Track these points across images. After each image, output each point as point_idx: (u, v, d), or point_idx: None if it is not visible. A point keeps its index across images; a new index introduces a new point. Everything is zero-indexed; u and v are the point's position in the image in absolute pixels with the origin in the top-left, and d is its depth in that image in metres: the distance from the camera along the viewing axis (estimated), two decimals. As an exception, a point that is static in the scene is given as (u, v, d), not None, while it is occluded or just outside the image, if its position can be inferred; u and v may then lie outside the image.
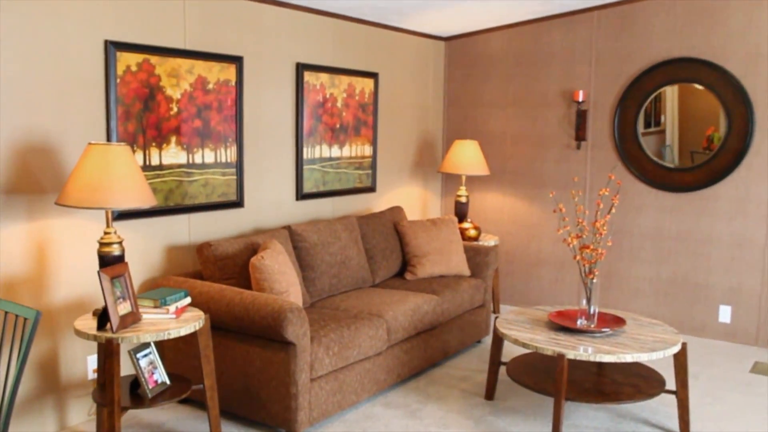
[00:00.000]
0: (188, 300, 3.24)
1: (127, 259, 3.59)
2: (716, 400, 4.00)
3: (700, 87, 5.01)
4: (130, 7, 3.59)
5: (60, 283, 3.40)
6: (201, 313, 3.20)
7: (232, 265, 3.75)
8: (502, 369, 4.13)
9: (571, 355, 3.29)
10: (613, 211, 3.86)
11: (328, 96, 4.92)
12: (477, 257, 4.95)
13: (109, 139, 3.54)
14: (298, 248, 4.19)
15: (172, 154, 3.88)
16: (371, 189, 5.47)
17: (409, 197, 5.96)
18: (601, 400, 3.36)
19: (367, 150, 5.39)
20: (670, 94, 5.18)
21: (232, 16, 4.15)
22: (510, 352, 4.53)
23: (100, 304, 3.30)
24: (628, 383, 3.56)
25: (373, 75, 5.34)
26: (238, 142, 4.25)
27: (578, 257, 3.68)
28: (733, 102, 4.90)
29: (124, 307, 2.95)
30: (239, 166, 4.27)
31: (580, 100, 5.44)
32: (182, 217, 3.98)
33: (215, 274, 3.73)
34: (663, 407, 3.87)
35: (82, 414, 3.54)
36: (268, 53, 4.42)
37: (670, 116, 5.24)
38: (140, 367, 3.05)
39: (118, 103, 3.57)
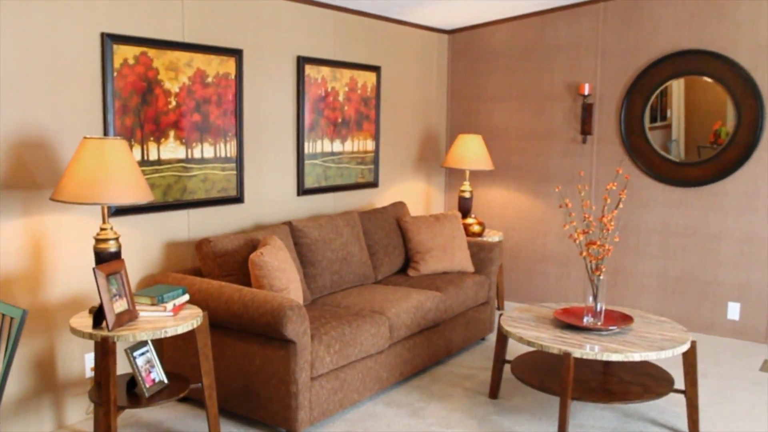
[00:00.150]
0: (186, 297, 3.18)
1: (125, 255, 3.55)
2: (725, 399, 3.92)
3: (708, 80, 4.92)
4: (127, -2, 3.53)
5: (57, 280, 3.34)
6: (199, 311, 3.14)
7: (232, 261, 3.68)
8: (507, 367, 4.06)
9: (577, 353, 3.21)
10: (621, 206, 3.78)
11: (329, 90, 4.85)
12: (481, 253, 4.88)
13: (106, 133, 3.48)
14: (299, 244, 4.12)
15: (171, 149, 3.81)
16: (374, 184, 5.40)
17: (412, 192, 5.89)
18: (608, 400, 3.29)
19: (370, 145, 5.31)
20: (677, 88, 5.09)
21: (231, 9, 4.08)
22: (515, 349, 4.46)
23: (97, 302, 3.24)
24: (636, 382, 3.49)
25: (375, 68, 5.27)
26: (238, 136, 4.18)
27: (585, 253, 3.61)
28: (742, 95, 4.81)
29: (121, 305, 2.89)
30: (239, 161, 4.20)
31: (586, 93, 5.35)
32: (181, 213, 3.92)
33: (214, 271, 3.67)
34: (671, 407, 3.79)
35: (79, 413, 3.49)
36: (268, 46, 4.35)
37: (677, 110, 5.15)
38: (137, 366, 2.99)
39: (115, 97, 3.50)
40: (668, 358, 3.88)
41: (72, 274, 3.39)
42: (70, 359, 3.43)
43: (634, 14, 5.18)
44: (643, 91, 5.18)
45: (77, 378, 3.47)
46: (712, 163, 4.97)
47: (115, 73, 3.49)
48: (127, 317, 2.91)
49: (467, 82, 6.03)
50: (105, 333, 2.79)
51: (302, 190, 4.70)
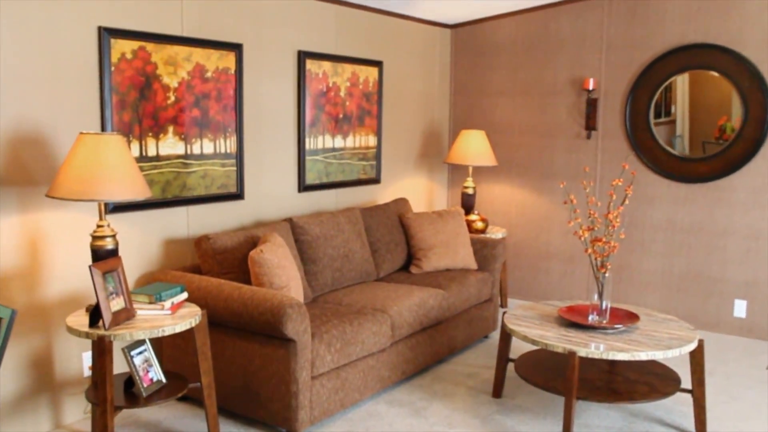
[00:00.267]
0: (185, 295, 3.13)
1: (123, 252, 3.50)
2: (732, 399, 3.86)
3: (715, 74, 4.85)
4: (125, -9, 3.47)
5: (54, 278, 3.29)
6: (198, 309, 3.09)
7: (232, 258, 3.63)
8: (510, 365, 4.01)
9: (582, 352, 3.16)
10: (627, 202, 3.72)
11: (330, 85, 4.79)
12: (484, 250, 4.82)
13: (103, 129, 3.43)
14: (300, 241, 4.07)
15: (170, 145, 3.76)
16: (376, 180, 5.35)
17: (414, 189, 5.83)
18: (613, 400, 3.23)
19: (372, 140, 5.26)
20: (681, 83, 5.02)
21: (231, 2, 4.02)
22: (518, 347, 4.41)
23: (95, 300, 3.19)
24: (642, 381, 3.43)
25: (377, 63, 5.21)
26: (238, 132, 4.12)
27: (590, 250, 3.55)
28: (749, 89, 4.74)
29: (117, 303, 2.84)
30: (239, 156, 4.15)
31: (591, 88, 5.28)
32: (180, 210, 3.87)
33: (214, 268, 3.61)
34: (678, 406, 3.74)
35: (77, 412, 3.45)
36: (268, 40, 4.29)
37: (681, 106, 5.08)
38: (134, 365, 2.94)
39: (112, 92, 3.45)
40: (674, 357, 3.84)
41: (69, 272, 3.34)
42: (67, 358, 3.39)
43: (640, 8, 5.10)
44: (649, 86, 5.11)
45: (75, 377, 3.42)
46: (719, 159, 4.90)
47: (112, 68, 3.44)
48: (124, 316, 2.86)
49: (470, 77, 5.96)
50: (101, 332, 2.74)
51: (303, 187, 4.65)
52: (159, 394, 2.98)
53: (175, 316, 2.98)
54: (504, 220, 5.89)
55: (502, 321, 3.63)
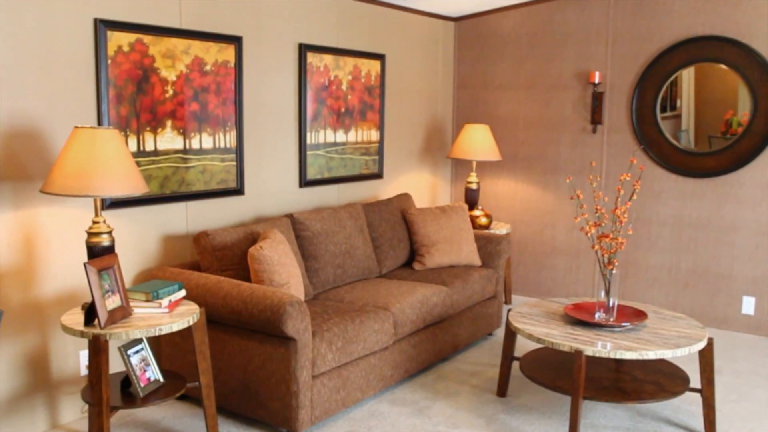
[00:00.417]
0: (183, 293, 3.06)
1: (121, 249, 3.44)
2: (742, 398, 3.79)
3: (724, 67, 4.76)
4: (121, -18, 3.40)
5: (49, 275, 3.23)
6: (196, 307, 3.03)
7: (231, 255, 3.57)
8: (515, 364, 3.94)
9: (589, 351, 3.08)
10: (635, 197, 3.64)
11: (332, 78, 4.71)
12: (488, 246, 4.75)
13: (100, 123, 3.36)
14: (301, 237, 4.00)
15: (168, 139, 3.69)
16: (378, 175, 5.27)
17: (417, 184, 5.76)
18: (621, 399, 3.16)
19: (374, 135, 5.18)
20: (686, 77, 4.93)
21: (230, -6, 3.95)
22: (522, 345, 4.34)
23: (90, 298, 3.12)
24: (650, 381, 3.36)
25: (379, 57, 5.13)
26: (237, 126, 4.05)
27: (596, 247, 3.47)
28: (758, 82, 4.65)
29: (113, 301, 2.78)
30: (239, 151, 4.08)
31: (596, 81, 5.20)
32: (179, 205, 3.80)
33: (213, 265, 3.55)
34: (685, 405, 3.66)
35: (74, 411, 3.39)
36: (269, 33, 4.22)
37: (686, 100, 5.00)
38: (131, 365, 2.88)
39: (109, 86, 3.38)
40: (683, 356, 3.77)
41: (65, 269, 3.28)
42: (64, 356, 3.33)
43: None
44: (656, 80, 5.02)
45: (72, 376, 3.36)
46: (727, 153, 4.82)
47: (109, 61, 3.37)
48: (121, 314, 2.80)
49: (474, 71, 5.88)
50: (97, 331, 2.68)
51: (304, 182, 4.58)
52: (156, 393, 2.92)
53: (172, 314, 2.92)
54: (508, 216, 5.82)
55: (507, 319, 3.56)
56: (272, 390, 3.17)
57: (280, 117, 4.35)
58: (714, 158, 4.87)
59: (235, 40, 3.98)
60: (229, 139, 4.02)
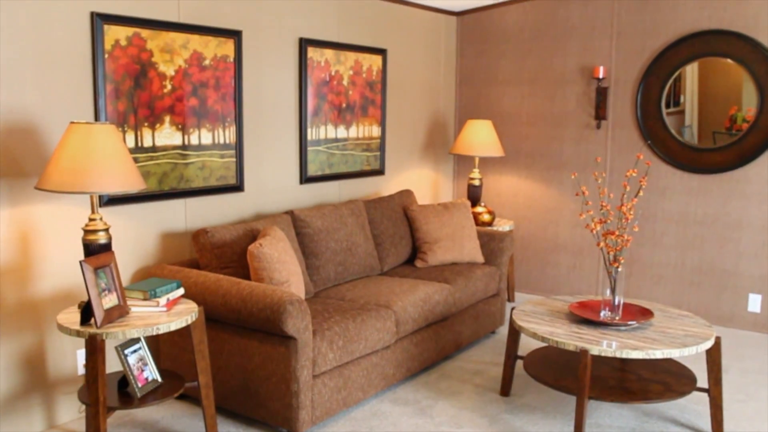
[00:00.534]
0: (181, 291, 3.01)
1: (119, 247, 3.39)
2: (749, 397, 3.73)
3: (730, 61, 4.69)
4: (118, -25, 3.34)
5: (46, 273, 3.18)
6: (194, 306, 2.97)
7: (230, 253, 3.51)
8: (519, 362, 3.89)
9: (595, 351, 3.03)
10: (641, 194, 3.58)
11: (333, 73, 4.65)
12: (491, 243, 4.69)
13: (97, 118, 3.30)
14: (302, 234, 3.95)
15: (166, 135, 3.63)
16: (379, 172, 5.22)
17: (419, 180, 5.70)
18: (627, 399, 3.10)
19: (375, 131, 5.12)
20: (690, 72, 4.87)
21: (229, -13, 3.89)
22: (527, 343, 4.29)
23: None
24: (656, 380, 3.30)
25: (381, 51, 5.06)
26: (237, 122, 4.00)
27: (602, 244, 3.41)
28: (765, 77, 4.59)
29: (110, 300, 2.73)
30: (239, 147, 4.02)
31: (601, 76, 5.13)
32: (178, 202, 3.75)
33: (212, 263, 3.50)
34: (692, 405, 3.61)
35: (72, 411, 3.34)
36: (269, 27, 4.16)
37: (690, 96, 4.93)
38: (128, 364, 2.83)
39: (106, 81, 3.33)
40: (689, 355, 3.71)
41: (62, 267, 3.23)
42: (61, 355, 3.28)
43: (652, -7, 4.95)
44: (661, 74, 4.96)
45: (69, 375, 3.32)
46: (733, 149, 4.75)
47: (106, 55, 3.31)
48: (117, 313, 2.74)
49: (476, 66, 5.81)
50: (93, 330, 2.62)
51: (305, 178, 4.52)
52: (154, 394, 2.87)
53: (170, 313, 2.86)
54: (511, 213, 5.76)
55: (511, 317, 3.51)
56: (272, 390, 3.12)
57: (280, 112, 4.30)
58: (720, 154, 4.81)
59: (235, 35, 3.92)
60: (228, 135, 3.96)
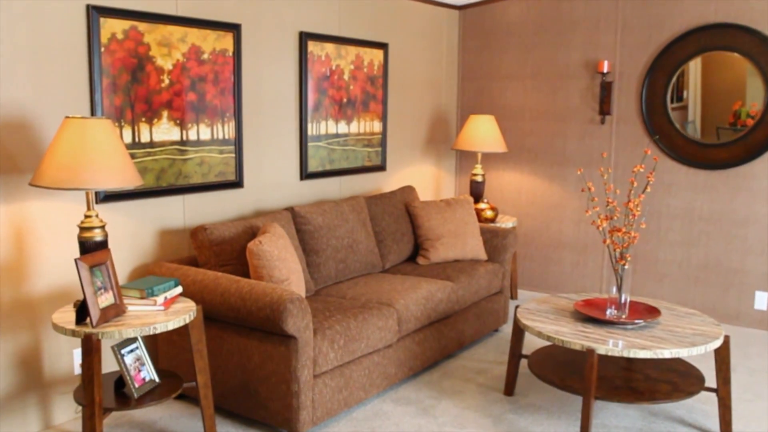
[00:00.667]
0: (179, 289, 2.95)
1: (116, 244, 3.33)
2: (757, 397, 3.67)
3: (734, 55, 4.62)
4: (114, -33, 3.26)
5: (41, 271, 3.11)
6: (193, 305, 2.91)
7: (230, 250, 3.45)
8: (523, 361, 3.83)
9: (602, 350, 2.96)
10: (649, 190, 3.51)
11: (334, 68, 4.58)
12: (494, 240, 4.63)
13: (93, 113, 3.24)
14: (302, 231, 3.88)
15: (164, 130, 3.57)
16: (381, 168, 5.15)
17: (421, 176, 5.63)
18: (634, 400, 3.04)
19: (377, 126, 5.05)
20: (693, 68, 4.79)
21: (228, -20, 3.82)
22: (530, 341, 4.23)
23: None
24: (664, 380, 3.24)
25: (382, 45, 4.99)
26: (236, 117, 3.93)
27: (608, 241, 3.35)
28: (773, 71, 4.52)
29: (106, 299, 2.67)
30: (238, 143, 3.96)
31: (605, 71, 5.06)
32: (176, 199, 3.68)
33: (211, 260, 3.43)
34: (699, 404, 3.55)
35: (68, 412, 3.28)
36: (268, 21, 4.09)
37: (693, 91, 4.86)
38: (125, 364, 2.77)
39: (102, 75, 3.26)
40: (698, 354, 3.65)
41: (57, 265, 3.17)
42: (57, 355, 3.22)
43: (658, -14, 4.88)
44: (666, 69, 4.88)
45: (65, 375, 3.26)
46: (739, 145, 4.68)
47: (102, 49, 3.25)
48: (114, 312, 2.68)
49: (479, 60, 5.74)
50: (88, 330, 2.56)
51: (305, 174, 4.45)
52: (151, 394, 2.81)
53: (168, 311, 2.80)
54: (514, 209, 5.69)
55: (515, 316, 3.45)
56: (272, 390, 3.06)
57: (280, 107, 4.23)
58: (726, 150, 4.74)
59: (234, 28, 3.85)
60: (227, 130, 3.90)
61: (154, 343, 3.50)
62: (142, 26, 3.40)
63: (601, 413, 3.44)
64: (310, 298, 3.68)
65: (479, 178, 5.30)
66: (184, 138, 3.67)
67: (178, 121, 3.62)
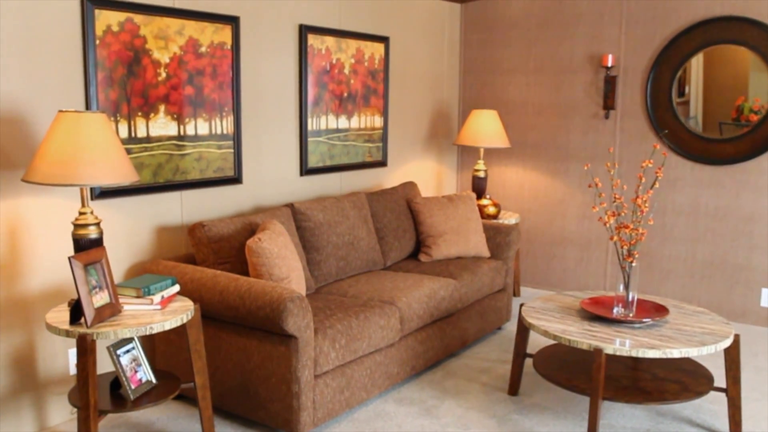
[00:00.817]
0: (176, 288, 2.87)
1: (112, 241, 3.26)
2: (765, 396, 3.60)
3: (737, 49, 4.54)
4: (109, -43, 3.18)
5: (35, 270, 3.04)
6: (190, 304, 2.84)
7: (228, 247, 3.38)
8: (527, 360, 3.76)
9: (609, 350, 2.90)
10: (657, 185, 3.44)
11: (334, 62, 4.50)
12: (497, 237, 4.56)
13: (88, 107, 3.16)
14: (302, 228, 3.81)
15: (161, 125, 3.49)
16: (382, 163, 5.07)
17: (422, 172, 5.56)
18: (642, 400, 2.97)
19: (378, 121, 4.98)
20: (696, 63, 4.72)
21: (226, -29, 3.74)
22: (534, 339, 4.16)
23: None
24: (672, 379, 3.17)
25: (383, 39, 4.91)
26: (235, 111, 3.85)
27: (615, 238, 3.28)
28: (781, 65, 4.44)
29: (101, 298, 2.59)
30: (237, 138, 3.88)
31: (609, 65, 4.98)
32: (174, 195, 3.61)
33: (209, 258, 3.36)
34: (707, 404, 3.48)
35: (63, 413, 3.21)
36: (267, 13, 4.01)
37: (695, 87, 4.78)
38: (121, 365, 2.70)
39: (98, 68, 3.18)
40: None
41: (52, 263, 3.09)
42: (52, 355, 3.14)
43: (663, -22, 4.80)
44: (672, 62, 4.81)
45: (60, 375, 3.19)
46: (745, 140, 4.61)
47: (97, 41, 3.17)
48: (109, 312, 2.61)
49: (481, 54, 5.66)
50: (83, 330, 2.49)
51: (305, 170, 4.38)
52: (148, 395, 2.74)
53: (165, 311, 2.73)
54: (517, 205, 5.62)
55: (520, 314, 3.38)
56: (272, 390, 2.99)
57: (279, 102, 4.15)
58: (732, 145, 4.66)
59: (232, 21, 3.77)
60: (226, 125, 3.82)
61: (151, 343, 3.43)
62: (138, 18, 3.32)
63: (607, 413, 3.37)
64: (311, 297, 3.61)
65: (482, 174, 5.23)
66: (182, 133, 3.59)
67: (175, 116, 3.54)
